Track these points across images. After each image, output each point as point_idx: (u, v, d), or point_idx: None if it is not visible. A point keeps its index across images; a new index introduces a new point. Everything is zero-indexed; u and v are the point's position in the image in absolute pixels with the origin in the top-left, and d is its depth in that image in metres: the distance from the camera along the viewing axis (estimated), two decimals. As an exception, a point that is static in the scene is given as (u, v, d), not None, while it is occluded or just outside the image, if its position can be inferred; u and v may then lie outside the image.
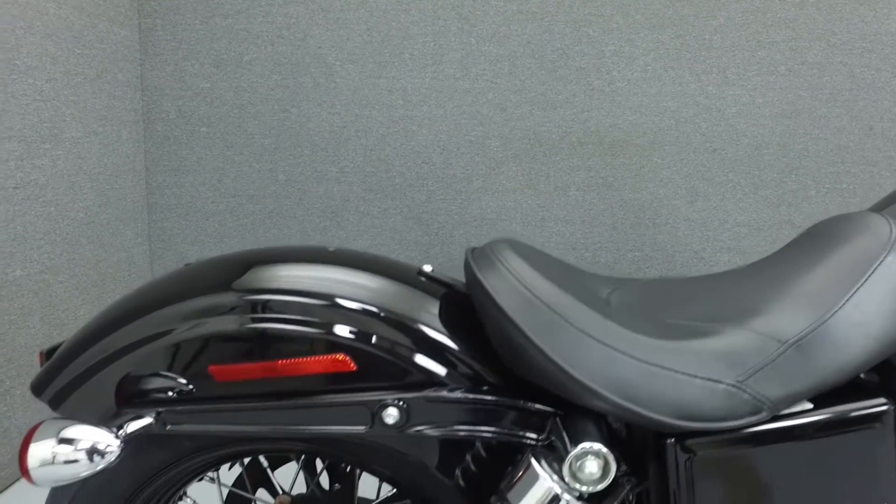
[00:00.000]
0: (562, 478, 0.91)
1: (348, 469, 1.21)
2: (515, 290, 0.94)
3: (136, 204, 2.88)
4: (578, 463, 0.91)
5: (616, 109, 2.88)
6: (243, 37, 2.91)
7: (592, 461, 0.91)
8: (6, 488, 2.28)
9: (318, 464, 1.24)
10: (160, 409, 0.96)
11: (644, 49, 2.86)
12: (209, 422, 0.97)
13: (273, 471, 1.26)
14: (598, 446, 0.90)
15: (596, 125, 2.89)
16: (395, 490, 1.20)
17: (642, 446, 1.02)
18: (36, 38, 2.27)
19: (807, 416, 0.96)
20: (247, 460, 1.26)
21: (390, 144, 2.92)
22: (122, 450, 0.92)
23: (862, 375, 1.04)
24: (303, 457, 1.18)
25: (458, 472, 1.03)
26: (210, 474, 1.21)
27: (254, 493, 1.25)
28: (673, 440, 0.95)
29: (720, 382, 0.92)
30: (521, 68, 2.88)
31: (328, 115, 2.92)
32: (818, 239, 1.11)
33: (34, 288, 2.30)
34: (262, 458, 1.22)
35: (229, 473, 1.32)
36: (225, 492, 1.22)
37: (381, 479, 1.15)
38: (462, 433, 0.96)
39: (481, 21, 2.87)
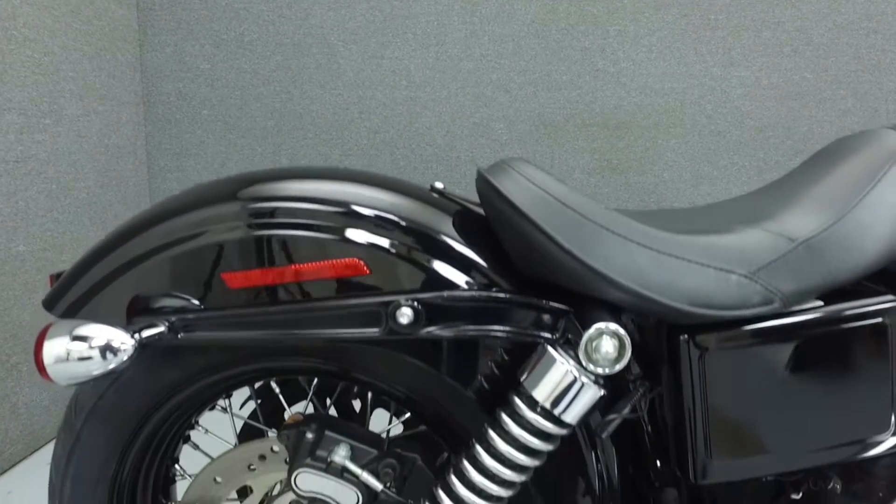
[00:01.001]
0: (578, 362, 0.90)
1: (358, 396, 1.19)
2: (529, 189, 0.94)
3: (138, 188, 2.85)
4: (594, 344, 0.89)
5: (621, 91, 2.86)
6: (244, 16, 2.88)
7: (608, 341, 0.89)
8: (18, 463, 2.24)
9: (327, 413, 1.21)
10: (172, 318, 0.94)
11: (649, 29, 2.84)
12: (222, 328, 0.95)
13: (289, 406, 1.23)
14: (613, 326, 0.89)
15: (601, 107, 2.87)
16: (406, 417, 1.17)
17: (655, 352, 1.01)
18: (32, 8, 2.24)
19: (818, 311, 0.96)
20: (258, 394, 1.24)
21: (393, 126, 2.89)
22: (136, 350, 0.89)
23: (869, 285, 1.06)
24: (314, 381, 1.15)
25: (472, 380, 1.00)
26: (222, 403, 1.18)
27: (267, 425, 1.22)
28: (686, 336, 0.94)
29: (733, 273, 0.92)
30: (525, 49, 2.86)
31: (330, 96, 2.89)
32: (828, 155, 1.13)
33: (38, 265, 2.26)
34: (273, 386, 1.18)
35: (242, 409, 1.29)
36: (238, 423, 1.18)
37: (394, 402, 1.12)
38: (476, 333, 0.94)
39: (485, 0, 2.85)
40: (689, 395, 0.96)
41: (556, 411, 0.90)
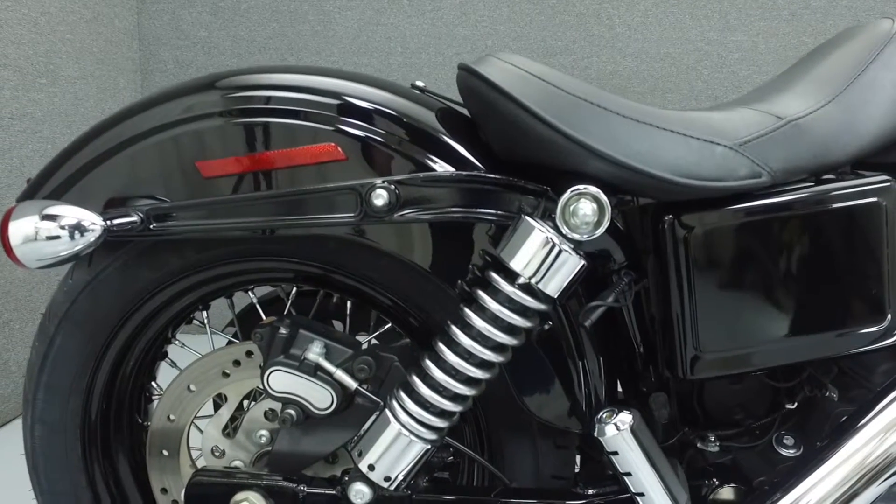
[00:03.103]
0: (556, 228, 0.88)
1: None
2: (508, 69, 0.93)
3: (133, 154, 2.86)
4: (571, 207, 0.88)
5: (617, 56, 2.86)
6: (241, -16, 2.89)
7: (586, 203, 0.87)
8: (9, 422, 2.25)
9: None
10: (145, 208, 0.94)
11: (644, -7, 2.84)
12: (195, 218, 0.94)
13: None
14: (591, 188, 0.88)
15: (596, 72, 2.86)
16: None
17: (641, 241, 1.00)
18: (30, -31, 2.25)
19: (808, 189, 0.95)
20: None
21: (389, 93, 2.90)
22: (104, 232, 0.90)
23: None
24: (293, 290, 1.15)
25: (451, 273, 1.00)
26: (200, 318, 1.19)
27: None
28: (671, 216, 0.93)
29: (718, 144, 0.91)
30: (520, 14, 2.86)
31: (326, 63, 2.89)
32: (827, 44, 1.12)
33: (29, 222, 2.27)
34: (251, 296, 1.18)
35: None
36: (217, 341, 1.18)
37: (376, 310, 1.12)
38: (452, 215, 0.93)
39: (480, -34, 2.85)
40: (674, 280, 0.95)
41: (536, 282, 0.88)
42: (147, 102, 1.04)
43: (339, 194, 0.93)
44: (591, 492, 1.03)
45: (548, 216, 0.90)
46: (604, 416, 0.94)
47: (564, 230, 0.87)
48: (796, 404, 1.09)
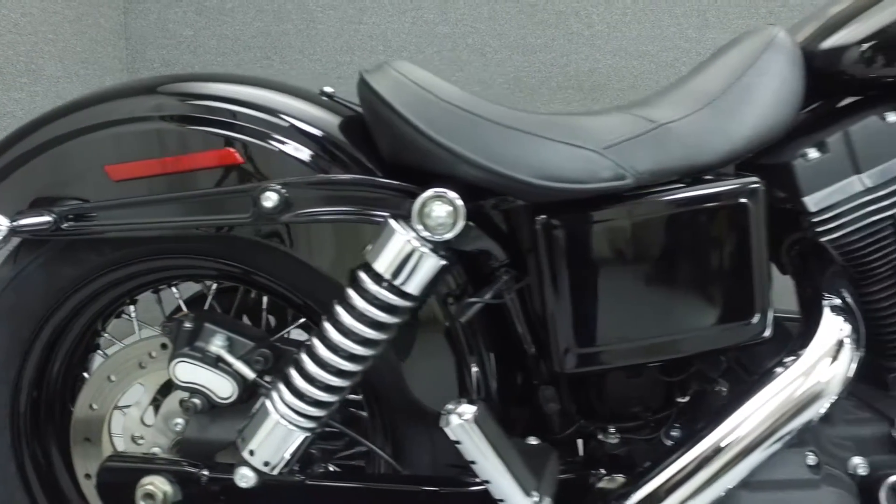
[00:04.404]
0: (415, 230, 0.94)
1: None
2: (393, 77, 1.00)
3: (121, 150, 2.93)
4: (427, 209, 0.93)
5: (596, 53, 2.88)
6: (225, -17, 2.95)
7: (440, 206, 0.93)
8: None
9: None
10: (57, 210, 1.00)
11: (623, -9, 2.86)
12: (104, 219, 1.01)
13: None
14: (448, 192, 0.93)
15: (575, 70, 2.89)
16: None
17: (522, 242, 1.04)
18: (9, -30, 2.32)
19: (678, 190, 0.98)
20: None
21: (371, 91, 2.94)
22: (9, 232, 0.96)
23: None
24: (213, 286, 1.21)
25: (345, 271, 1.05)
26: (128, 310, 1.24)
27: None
28: (544, 217, 0.97)
29: (582, 148, 0.95)
30: (500, 13, 2.89)
31: (310, 62, 2.94)
32: (716, 52, 1.15)
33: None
34: (174, 291, 1.23)
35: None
36: (145, 332, 1.23)
37: (290, 307, 1.17)
38: (340, 216, 1.00)
39: (459, -35, 2.89)
40: (548, 278, 0.99)
41: (398, 282, 0.93)
42: (70, 106, 1.11)
43: (233, 196, 1.00)
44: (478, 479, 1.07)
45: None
46: (449, 407, 0.98)
47: (423, 232, 0.92)
48: (688, 398, 1.12)
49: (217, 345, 1.07)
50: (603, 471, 1.10)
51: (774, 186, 1.04)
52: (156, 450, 1.17)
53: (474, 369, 1.06)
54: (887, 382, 1.12)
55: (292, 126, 1.04)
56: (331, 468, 1.15)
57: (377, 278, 0.94)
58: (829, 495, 0.99)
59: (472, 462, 0.96)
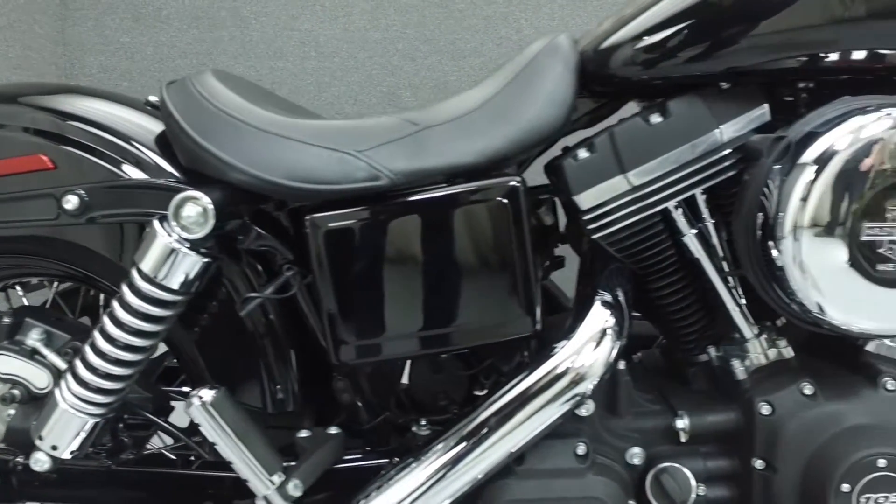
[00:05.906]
0: (174, 230, 0.98)
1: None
2: (183, 87, 1.07)
3: (59, 155, 2.98)
4: (180, 210, 0.98)
5: (524, 58, 2.91)
6: (160, -9, 3.00)
7: (190, 206, 0.98)
8: None
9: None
10: None
11: (549, -3, 2.90)
12: None
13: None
14: (193, 193, 0.98)
15: (505, 74, 2.92)
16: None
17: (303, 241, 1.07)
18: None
19: (433, 189, 1.02)
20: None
21: (304, 96, 2.98)
22: None
23: None
24: (55, 284, 1.26)
25: None
26: None
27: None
28: (309, 217, 1.02)
29: (336, 151, 1.00)
30: (429, 18, 2.93)
31: (244, 68, 2.99)
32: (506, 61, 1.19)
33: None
34: (18, 290, 1.28)
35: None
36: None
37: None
38: (133, 217, 1.06)
39: (387, -29, 2.93)
40: (318, 274, 1.04)
41: (160, 279, 0.98)
42: None
43: (39, 199, 1.05)
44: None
45: None
46: (192, 392, 1.03)
47: (181, 232, 0.97)
48: (485, 391, 1.16)
49: (34, 338, 1.13)
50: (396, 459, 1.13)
51: (558, 186, 1.08)
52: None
53: (274, 364, 1.11)
54: (688, 377, 1.15)
55: (103, 133, 1.10)
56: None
57: (145, 276, 0.99)
58: (595, 484, 1.02)
59: (214, 443, 1.02)
